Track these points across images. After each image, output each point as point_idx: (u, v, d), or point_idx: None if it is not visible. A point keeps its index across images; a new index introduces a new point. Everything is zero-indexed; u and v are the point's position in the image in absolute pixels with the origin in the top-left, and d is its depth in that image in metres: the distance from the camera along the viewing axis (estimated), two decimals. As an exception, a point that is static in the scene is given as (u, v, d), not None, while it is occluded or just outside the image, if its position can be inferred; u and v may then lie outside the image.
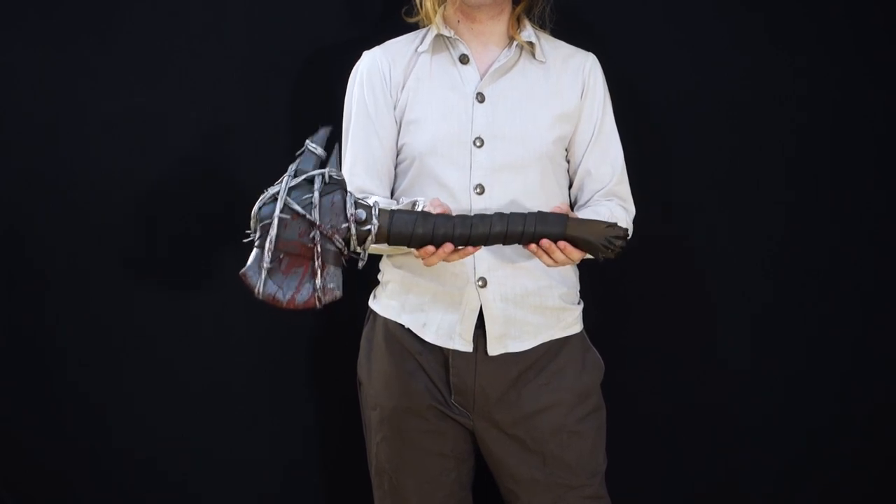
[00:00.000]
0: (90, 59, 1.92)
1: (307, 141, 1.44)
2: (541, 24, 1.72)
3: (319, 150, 1.43)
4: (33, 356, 2.00)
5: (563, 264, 1.53)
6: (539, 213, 1.50)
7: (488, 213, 1.51)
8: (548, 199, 1.61)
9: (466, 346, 1.64)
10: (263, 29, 1.93)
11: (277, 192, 1.40)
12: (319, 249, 1.40)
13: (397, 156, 1.68)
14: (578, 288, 1.74)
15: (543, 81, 1.66)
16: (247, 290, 1.40)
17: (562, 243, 1.49)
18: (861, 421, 2.04)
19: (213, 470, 2.06)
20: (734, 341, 2.03)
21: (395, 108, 1.66)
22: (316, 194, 1.40)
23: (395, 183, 1.70)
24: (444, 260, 1.48)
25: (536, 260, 1.54)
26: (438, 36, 1.66)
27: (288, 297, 1.40)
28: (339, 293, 1.42)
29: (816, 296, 2.01)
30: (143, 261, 1.98)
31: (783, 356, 2.02)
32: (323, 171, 1.42)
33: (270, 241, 1.39)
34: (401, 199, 1.62)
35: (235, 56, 1.93)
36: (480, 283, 1.62)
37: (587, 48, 1.73)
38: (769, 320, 2.01)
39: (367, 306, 1.76)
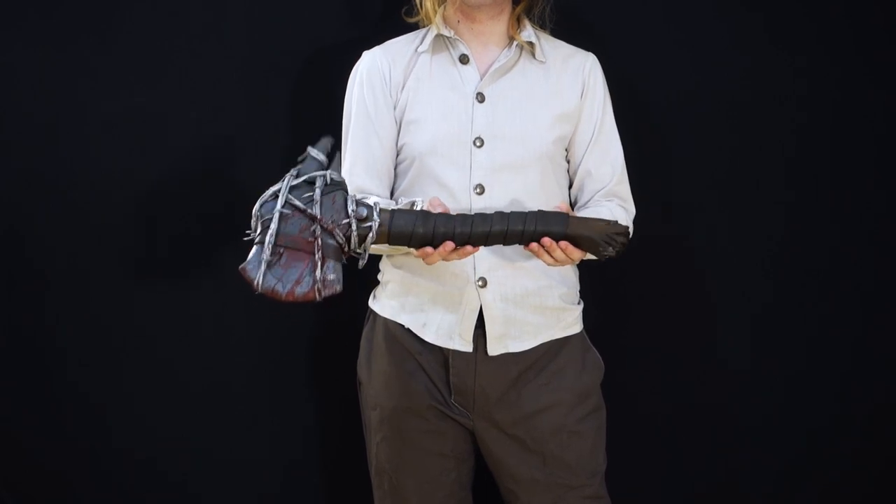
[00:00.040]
0: (90, 59, 1.92)
1: (309, 147, 1.44)
2: (541, 24, 1.72)
3: (321, 157, 1.43)
4: (33, 356, 2.00)
5: (564, 264, 1.53)
6: (540, 211, 1.49)
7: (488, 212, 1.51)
8: (548, 199, 1.61)
9: (466, 346, 1.64)
10: (263, 29, 1.93)
11: (279, 190, 1.40)
12: (320, 243, 1.40)
13: (397, 156, 1.68)
14: (578, 288, 1.74)
15: (543, 81, 1.66)
16: (246, 284, 1.39)
17: (563, 242, 1.48)
18: (861, 421, 2.04)
19: (213, 470, 2.06)
20: (734, 341, 2.03)
21: (395, 108, 1.66)
22: (317, 191, 1.40)
23: (395, 183, 1.70)
24: (443, 259, 1.48)
25: (536, 260, 1.54)
26: (438, 36, 1.66)
27: (287, 289, 1.40)
28: (339, 287, 1.41)
29: (816, 296, 2.01)
30: (143, 261, 1.98)
31: (783, 356, 2.02)
32: (325, 172, 1.42)
33: (271, 235, 1.39)
34: (400, 200, 1.62)
35: (235, 56, 1.93)
36: (480, 283, 1.62)
37: (587, 48, 1.73)
38: (769, 320, 2.01)
39: (367, 306, 1.76)
